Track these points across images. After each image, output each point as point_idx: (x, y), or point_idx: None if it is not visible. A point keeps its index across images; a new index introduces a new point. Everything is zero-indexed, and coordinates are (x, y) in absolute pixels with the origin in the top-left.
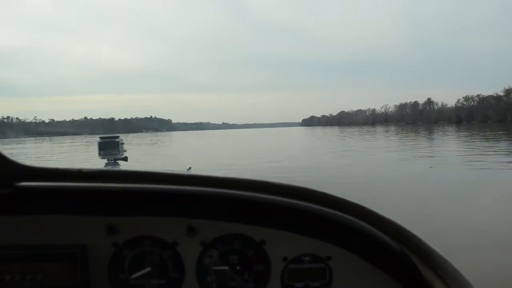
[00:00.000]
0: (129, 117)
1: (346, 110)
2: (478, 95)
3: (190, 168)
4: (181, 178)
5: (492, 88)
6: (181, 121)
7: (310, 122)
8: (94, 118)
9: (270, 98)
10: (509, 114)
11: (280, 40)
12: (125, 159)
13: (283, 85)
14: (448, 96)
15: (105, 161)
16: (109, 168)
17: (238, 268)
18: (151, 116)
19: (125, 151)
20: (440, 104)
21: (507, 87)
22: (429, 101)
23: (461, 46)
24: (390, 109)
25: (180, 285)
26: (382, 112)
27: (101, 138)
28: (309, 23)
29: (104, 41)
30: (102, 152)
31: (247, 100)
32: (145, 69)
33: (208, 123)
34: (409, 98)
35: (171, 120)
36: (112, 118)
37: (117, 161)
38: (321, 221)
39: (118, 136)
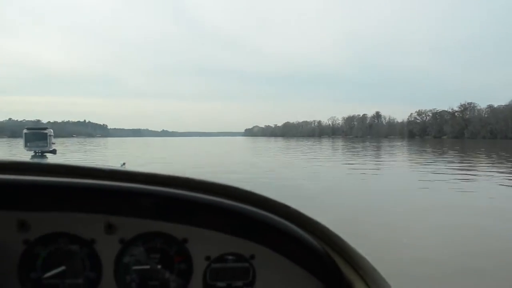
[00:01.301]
0: (59, 120)
1: (291, 121)
2: (432, 110)
3: (124, 164)
4: (101, 172)
5: (438, 104)
6: (118, 126)
7: (253, 132)
8: (20, 120)
9: (213, 107)
10: (466, 130)
11: (225, 49)
12: (54, 152)
13: (226, 94)
14: (395, 111)
15: (32, 153)
16: (25, 160)
17: (159, 267)
18: (84, 121)
19: (53, 143)
20: (388, 118)
21: (463, 103)
22: (377, 115)
23: (403, 64)
24: (338, 122)
25: (97, 285)
26: (329, 124)
27: (27, 129)
28: (254, 33)
29: (38, 40)
30: (28, 144)
31: (189, 108)
32: (81, 72)
33: (147, 129)
34: (357, 112)
35: (107, 126)
36: (39, 120)
37: (45, 154)
38: (244, 219)
39: (47, 128)
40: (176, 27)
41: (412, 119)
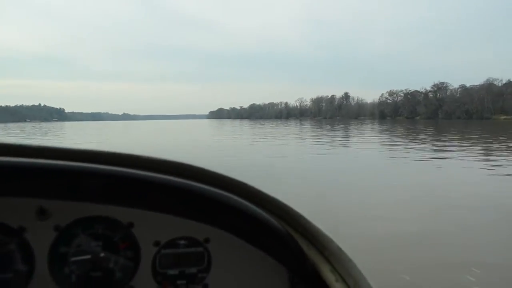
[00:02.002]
0: (12, 104)
1: (257, 103)
2: (404, 90)
3: None
4: (29, 149)
5: (406, 86)
6: (76, 110)
7: (219, 114)
8: None
9: (176, 89)
10: (440, 111)
11: (188, 30)
12: None
13: (189, 76)
14: (364, 93)
15: None
16: None
17: (102, 255)
18: (39, 104)
19: None
20: (356, 99)
21: (436, 83)
22: (346, 96)
23: (367, 47)
24: (306, 103)
25: (29, 280)
26: (297, 105)
27: None
28: (218, 14)
29: None
30: None
31: (151, 90)
32: (36, 53)
33: (107, 113)
34: (325, 93)
35: (63, 109)
36: None
37: None
38: (197, 199)
39: None
40: (138, 8)
41: (384, 100)
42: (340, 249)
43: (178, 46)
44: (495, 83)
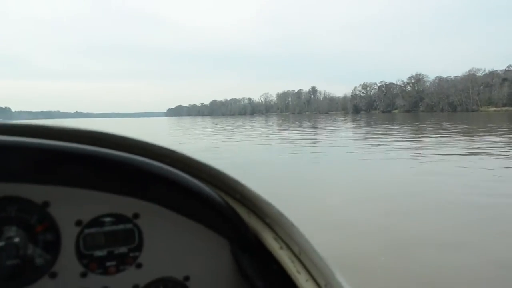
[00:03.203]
0: None
1: (219, 99)
2: (378, 83)
3: None
4: None
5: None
6: (24, 109)
7: (177, 112)
8: None
9: (132, 86)
10: (422, 103)
11: (143, 27)
12: None
13: (146, 74)
14: (333, 88)
15: None
16: None
17: (16, 241)
18: None
19: None
20: (323, 93)
21: (414, 74)
22: (313, 90)
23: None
24: (271, 98)
25: None
26: (262, 101)
27: None
28: (175, 10)
29: None
30: None
31: (106, 88)
32: None
33: (58, 111)
34: (291, 88)
35: (10, 108)
36: None
37: None
38: (120, 170)
39: None
40: (89, 4)
41: (357, 93)
42: (281, 214)
43: (133, 43)
44: (478, 74)
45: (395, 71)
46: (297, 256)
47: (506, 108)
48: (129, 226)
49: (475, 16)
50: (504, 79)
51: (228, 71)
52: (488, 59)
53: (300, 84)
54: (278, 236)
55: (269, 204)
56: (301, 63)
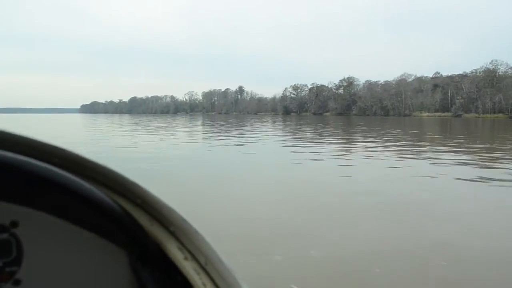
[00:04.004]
0: None
1: (139, 96)
2: (310, 85)
3: None
4: None
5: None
6: None
7: (93, 108)
8: None
9: (41, 80)
10: (354, 106)
11: (52, 16)
12: None
13: (57, 67)
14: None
15: None
16: None
17: None
18: None
19: None
20: (250, 93)
21: (346, 77)
22: (241, 89)
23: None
24: (197, 97)
25: None
26: (186, 100)
27: None
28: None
29: None
30: None
31: (8, 81)
32: None
33: None
34: (218, 87)
35: None
36: None
37: None
38: None
39: None
40: None
41: (288, 95)
42: (185, 221)
43: (42, 34)
44: (409, 79)
45: (327, 74)
46: (203, 267)
47: (439, 113)
48: (4, 236)
49: (405, 23)
50: (435, 85)
51: (150, 68)
52: (418, 66)
53: (228, 84)
54: (183, 246)
55: (172, 211)
56: (228, 63)
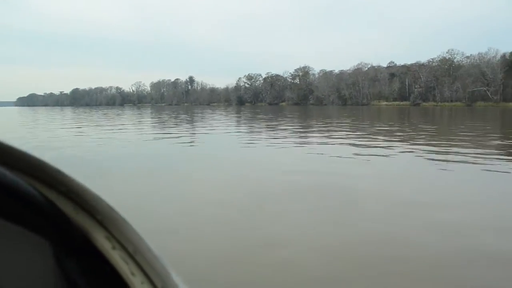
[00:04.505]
0: None
1: (82, 88)
2: (265, 75)
3: None
4: None
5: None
6: None
7: (31, 101)
8: None
9: None
10: (311, 96)
11: None
12: None
13: None
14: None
15: None
16: None
17: None
18: None
19: None
20: (201, 84)
21: (302, 66)
22: (191, 80)
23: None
24: (144, 88)
25: None
26: (133, 91)
27: None
28: None
29: None
30: None
31: None
32: None
33: None
34: (167, 77)
35: None
36: None
37: None
38: None
39: None
40: None
41: (242, 85)
42: (112, 209)
43: None
44: (365, 69)
45: (283, 65)
46: (132, 256)
47: (398, 102)
48: None
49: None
50: (392, 74)
51: (93, 59)
52: (374, 56)
53: (178, 75)
54: (110, 235)
55: (99, 199)
56: (178, 54)
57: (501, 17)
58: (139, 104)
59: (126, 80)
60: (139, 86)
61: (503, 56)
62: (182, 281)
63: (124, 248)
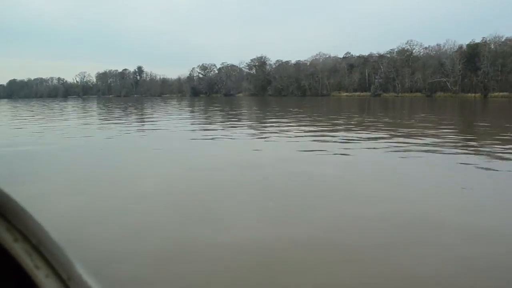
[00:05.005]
0: None
1: (19, 79)
2: (220, 64)
3: None
4: None
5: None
6: None
7: None
8: None
9: None
10: (270, 87)
11: None
12: None
13: None
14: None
15: None
16: None
17: None
18: None
19: None
20: (150, 74)
21: (259, 56)
22: (140, 70)
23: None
24: (90, 79)
25: None
26: (77, 82)
27: None
28: None
29: None
30: None
31: None
32: None
33: None
34: (114, 68)
35: None
36: None
37: None
38: None
39: None
40: None
41: (196, 75)
42: (11, 199)
43: None
44: (321, 59)
45: (239, 55)
46: (36, 248)
47: (358, 93)
48: None
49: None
50: (351, 65)
51: (33, 49)
52: (333, 47)
53: (125, 65)
54: (12, 226)
55: (5, 195)
56: (125, 44)
57: (457, 9)
58: (85, 96)
59: (70, 70)
60: (84, 76)
61: (461, 47)
62: (86, 272)
63: (27, 240)
